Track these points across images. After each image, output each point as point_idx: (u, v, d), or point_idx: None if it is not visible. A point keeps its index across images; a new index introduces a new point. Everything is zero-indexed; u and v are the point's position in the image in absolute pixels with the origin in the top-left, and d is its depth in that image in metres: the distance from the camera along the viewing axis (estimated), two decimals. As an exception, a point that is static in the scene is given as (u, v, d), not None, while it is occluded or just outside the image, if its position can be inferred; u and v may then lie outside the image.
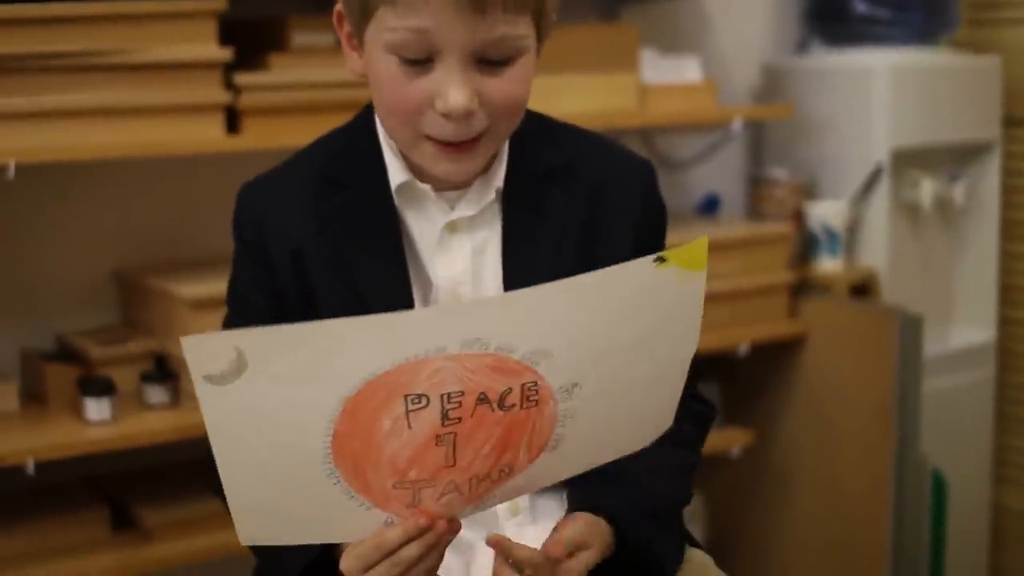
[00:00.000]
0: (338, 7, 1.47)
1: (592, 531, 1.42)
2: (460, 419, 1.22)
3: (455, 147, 1.43)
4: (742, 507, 3.13)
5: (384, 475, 1.24)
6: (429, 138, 1.43)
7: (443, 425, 1.21)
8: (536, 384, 1.23)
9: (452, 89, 1.38)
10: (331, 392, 1.17)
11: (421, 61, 1.38)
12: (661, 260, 1.22)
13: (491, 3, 1.36)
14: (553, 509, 1.55)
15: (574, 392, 1.25)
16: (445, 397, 1.20)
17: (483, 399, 1.22)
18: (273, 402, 1.17)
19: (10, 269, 2.44)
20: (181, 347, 1.13)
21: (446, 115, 1.39)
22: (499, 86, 1.41)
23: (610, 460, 1.37)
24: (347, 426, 1.19)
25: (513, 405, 1.23)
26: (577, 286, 1.20)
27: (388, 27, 1.37)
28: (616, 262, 1.51)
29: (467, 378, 1.20)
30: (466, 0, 1.34)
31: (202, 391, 1.15)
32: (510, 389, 1.22)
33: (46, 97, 2.16)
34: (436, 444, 1.22)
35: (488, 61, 1.39)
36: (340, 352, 1.15)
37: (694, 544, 1.64)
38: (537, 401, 1.24)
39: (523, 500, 1.55)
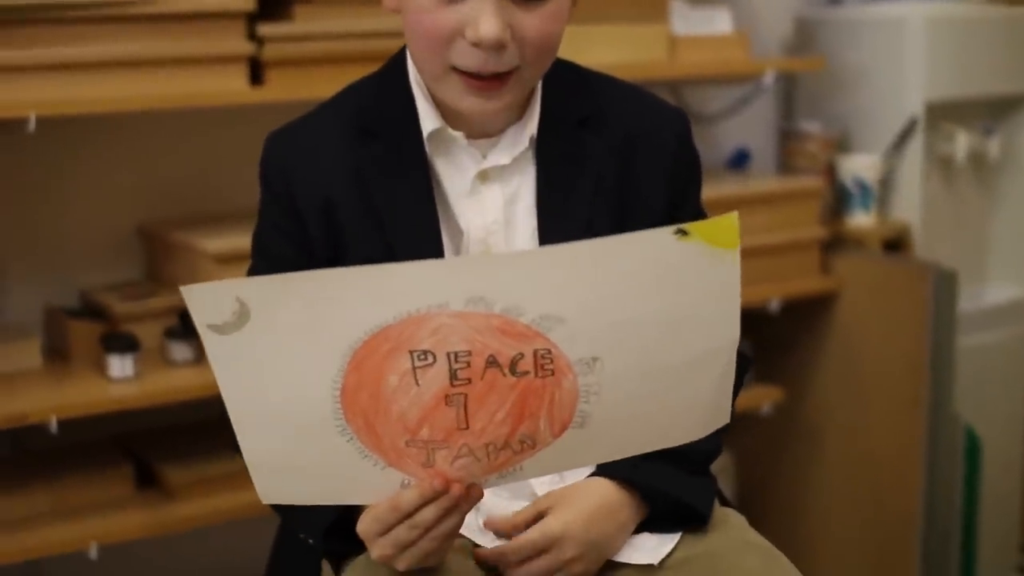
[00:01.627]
0: None
1: (571, 529, 1.44)
2: (470, 380, 1.21)
3: (483, 82, 1.41)
4: (772, 465, 3.11)
5: (395, 432, 1.24)
6: (457, 70, 1.40)
7: (452, 385, 1.21)
8: (550, 352, 1.21)
9: (484, 18, 1.36)
10: (335, 344, 1.18)
11: None
12: (683, 233, 1.18)
13: None
14: (581, 469, 1.53)
15: (595, 367, 1.23)
16: (452, 356, 1.19)
17: (492, 362, 1.20)
18: (279, 353, 1.18)
19: (33, 224, 2.42)
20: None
21: (476, 44, 1.37)
22: (532, 21, 1.39)
23: (657, 448, 1.34)
24: (354, 379, 1.20)
25: (527, 372, 1.21)
26: (588, 249, 1.17)
27: None
28: (649, 212, 1.50)
29: (474, 338, 1.19)
30: None
31: (208, 341, 1.18)
32: (521, 355, 1.20)
33: (67, 49, 2.13)
34: (446, 404, 1.22)
35: None
36: (341, 303, 1.16)
37: (726, 504, 1.61)
38: (553, 371, 1.22)
39: None
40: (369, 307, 1.16)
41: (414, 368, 1.20)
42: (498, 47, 1.37)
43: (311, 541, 1.46)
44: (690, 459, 1.49)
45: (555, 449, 1.29)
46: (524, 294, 1.17)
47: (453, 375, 1.20)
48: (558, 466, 1.36)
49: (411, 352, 1.19)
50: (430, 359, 1.19)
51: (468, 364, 1.20)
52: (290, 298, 1.15)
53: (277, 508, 1.53)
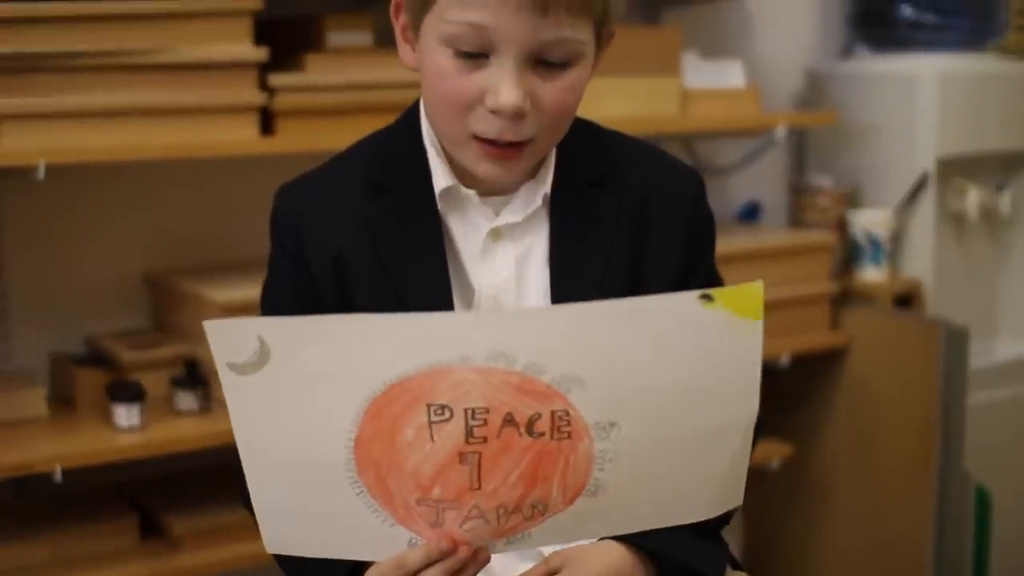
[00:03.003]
0: None
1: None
2: (485, 439, 1.19)
3: (500, 150, 1.39)
4: (781, 521, 3.09)
5: (407, 488, 1.22)
6: (476, 137, 1.39)
7: (467, 443, 1.19)
8: (568, 414, 1.19)
9: (505, 86, 1.35)
10: (355, 391, 1.17)
11: (476, 55, 1.35)
12: (708, 298, 1.16)
13: (554, 3, 1.33)
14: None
15: (612, 433, 1.20)
16: (469, 412, 1.18)
17: (510, 420, 1.19)
18: (297, 397, 1.17)
19: (40, 271, 2.41)
20: (207, 340, 1.12)
21: (496, 112, 1.36)
22: (551, 91, 1.38)
23: (668, 524, 1.31)
24: (370, 430, 1.19)
25: (543, 433, 1.20)
26: (613, 309, 1.16)
27: (446, 19, 1.35)
28: (664, 272, 1.48)
29: (492, 395, 1.17)
30: (533, 3, 1.32)
31: (226, 380, 1.16)
32: (539, 415, 1.19)
33: (77, 97, 2.13)
34: (460, 462, 1.20)
35: (545, 63, 1.36)
36: (363, 350, 1.15)
37: (737, 567, 1.59)
38: (570, 434, 1.20)
39: None
40: (392, 355, 1.15)
41: (430, 423, 1.18)
42: (517, 116, 1.36)
43: None
44: (702, 523, 1.47)
45: (566, 517, 1.27)
46: (546, 352, 1.16)
47: (469, 432, 1.19)
48: (568, 536, 1.34)
49: (428, 406, 1.17)
50: (447, 414, 1.18)
51: (485, 422, 1.18)
52: (313, 341, 1.15)
53: (282, 564, 1.51)
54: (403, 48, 1.46)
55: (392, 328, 1.15)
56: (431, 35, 1.37)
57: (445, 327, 1.16)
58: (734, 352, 1.19)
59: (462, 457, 1.20)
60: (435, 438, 1.19)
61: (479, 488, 1.22)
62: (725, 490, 1.29)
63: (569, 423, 1.19)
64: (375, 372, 1.16)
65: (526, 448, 1.20)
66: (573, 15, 1.35)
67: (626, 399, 1.19)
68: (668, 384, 1.20)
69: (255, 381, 1.16)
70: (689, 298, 1.16)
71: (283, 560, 1.47)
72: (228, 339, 1.15)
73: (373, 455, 1.20)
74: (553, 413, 1.19)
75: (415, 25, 1.41)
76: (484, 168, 1.42)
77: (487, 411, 1.18)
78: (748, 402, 1.24)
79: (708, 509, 1.30)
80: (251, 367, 1.15)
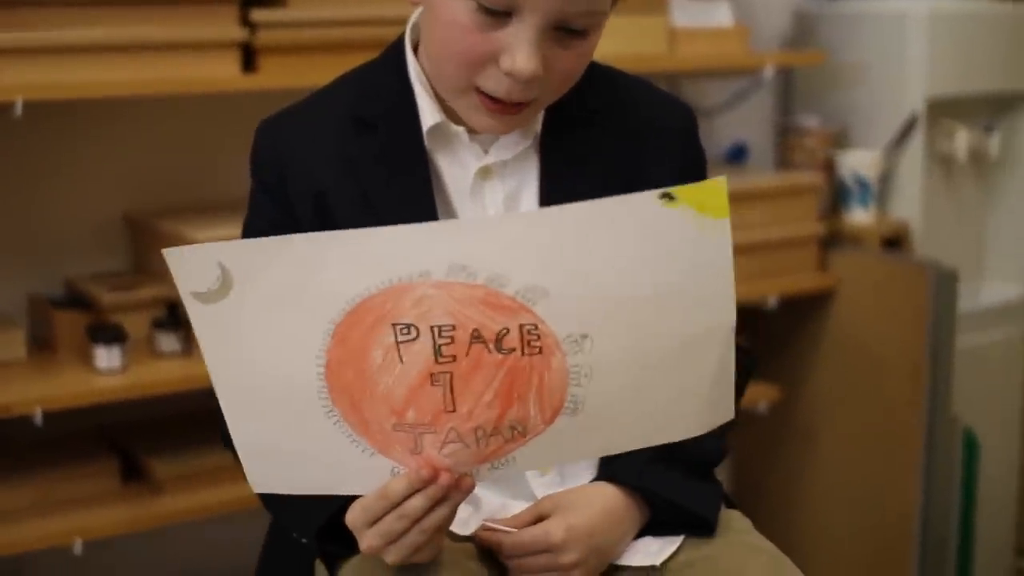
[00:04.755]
0: None
1: (575, 527, 1.40)
2: (454, 357, 1.18)
3: (502, 106, 1.36)
4: (768, 464, 3.08)
5: (382, 414, 1.21)
6: (479, 90, 1.36)
7: (436, 362, 1.18)
8: (536, 328, 1.17)
9: (524, 51, 1.31)
10: (319, 315, 1.16)
11: (500, 12, 1.31)
12: (669, 197, 1.13)
13: None
14: (583, 470, 1.49)
15: (584, 345, 1.18)
16: (436, 330, 1.16)
17: (477, 336, 1.17)
18: (264, 324, 1.17)
19: (18, 211, 2.38)
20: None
21: (509, 74, 1.32)
22: (566, 58, 1.35)
23: (656, 443, 1.29)
24: (338, 354, 1.18)
25: (513, 349, 1.18)
26: (572, 213, 1.13)
27: None
28: None
29: (457, 311, 1.16)
30: None
31: (192, 310, 1.16)
32: (507, 329, 1.17)
33: (54, 32, 2.09)
34: (431, 383, 1.19)
35: (566, 29, 1.33)
36: (323, 270, 1.14)
37: (732, 506, 1.57)
38: (541, 349, 1.18)
39: None
40: (350, 275, 1.14)
41: (397, 343, 1.17)
42: (530, 80, 1.32)
43: (304, 541, 1.42)
44: (696, 463, 1.46)
45: (548, 438, 1.24)
46: (507, 263, 1.14)
47: (437, 351, 1.17)
48: (553, 458, 1.33)
49: (394, 325, 1.16)
50: (413, 333, 1.16)
51: (452, 339, 1.17)
52: (272, 264, 1.14)
53: (269, 506, 1.50)
54: None
55: (349, 244, 1.13)
56: None
57: (401, 241, 1.13)
58: (703, 253, 1.17)
59: (433, 378, 1.19)
60: (404, 359, 1.18)
61: (454, 410, 1.21)
62: (712, 403, 1.26)
63: (539, 337, 1.17)
64: (337, 293, 1.15)
65: (497, 365, 1.18)
66: None
67: (595, 309, 1.17)
68: (637, 291, 1.17)
69: (221, 309, 1.15)
70: (650, 197, 1.13)
71: (269, 500, 1.45)
72: (189, 267, 1.14)
73: (345, 380, 1.19)
74: (521, 327, 1.17)
75: None
76: (481, 120, 1.39)
77: (453, 328, 1.16)
78: (724, 307, 1.21)
79: (697, 424, 1.28)
80: (215, 295, 1.15)
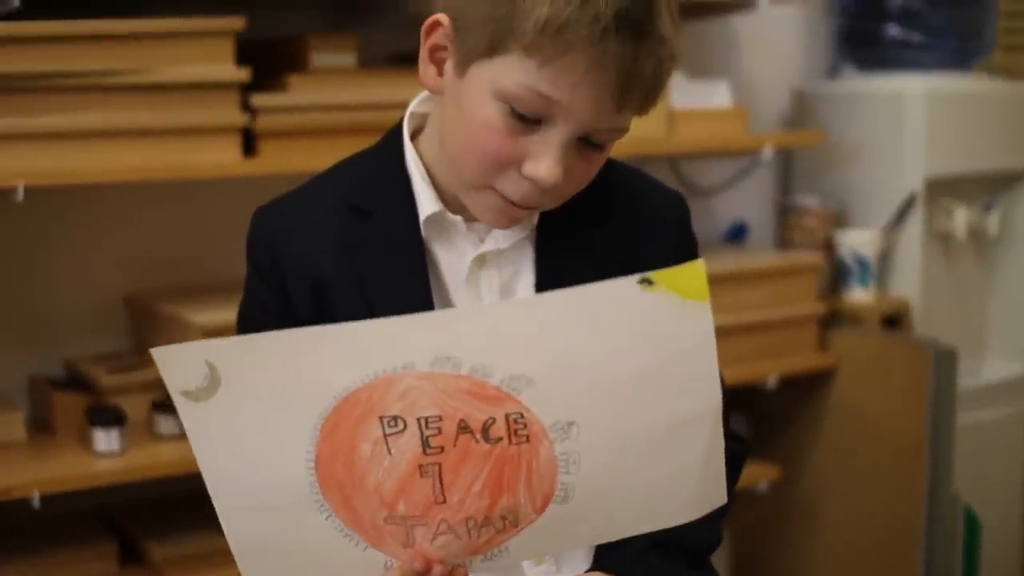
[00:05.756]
0: (441, 18, 1.36)
1: None
2: (442, 448, 1.18)
3: (517, 208, 1.37)
4: (768, 544, 3.06)
5: (373, 507, 1.21)
6: (495, 190, 1.36)
7: (425, 454, 1.18)
8: (523, 416, 1.17)
9: (550, 159, 1.31)
10: (306, 410, 1.16)
11: (531, 120, 1.31)
12: (647, 282, 1.13)
13: (630, 104, 1.31)
14: (579, 559, 1.48)
15: (571, 432, 1.18)
16: (423, 422, 1.16)
17: (464, 427, 1.17)
18: (252, 421, 1.16)
19: (19, 293, 2.38)
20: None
21: (530, 180, 1.32)
22: (581, 169, 1.36)
23: (649, 530, 1.28)
24: (327, 448, 1.18)
25: (500, 439, 1.18)
26: (554, 302, 1.13)
27: (513, 78, 1.29)
28: None
29: (443, 402, 1.16)
30: (615, 97, 1.28)
31: (181, 408, 1.16)
32: (493, 419, 1.17)
33: (57, 117, 2.10)
34: (421, 475, 1.19)
35: (588, 142, 1.34)
36: (309, 365, 1.14)
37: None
38: (528, 437, 1.18)
39: None
40: (336, 369, 1.14)
41: (385, 435, 1.17)
42: (550, 188, 1.33)
43: None
44: (690, 551, 1.45)
45: (540, 527, 1.24)
46: (491, 352, 1.14)
47: (425, 443, 1.17)
48: (546, 547, 1.32)
49: (381, 418, 1.16)
50: (400, 425, 1.16)
51: (439, 431, 1.17)
52: (258, 360, 1.14)
53: None
54: (426, 68, 1.39)
55: (334, 339, 1.13)
56: (485, 83, 1.31)
57: (386, 333, 1.13)
58: (685, 337, 1.16)
59: (422, 470, 1.19)
60: (392, 451, 1.18)
61: (444, 501, 1.21)
62: (703, 488, 1.26)
63: (525, 426, 1.17)
64: (323, 387, 1.15)
65: (485, 455, 1.18)
66: (638, 112, 1.34)
67: (580, 395, 1.17)
68: (621, 376, 1.17)
69: (209, 407, 1.15)
70: (628, 283, 1.13)
71: None
72: (176, 365, 1.14)
73: (335, 475, 1.19)
74: (507, 416, 1.17)
75: (463, 59, 1.33)
76: (491, 218, 1.39)
77: (440, 419, 1.16)
78: (709, 391, 1.20)
79: (688, 510, 1.27)
80: (204, 392, 1.14)
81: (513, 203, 1.36)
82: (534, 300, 1.14)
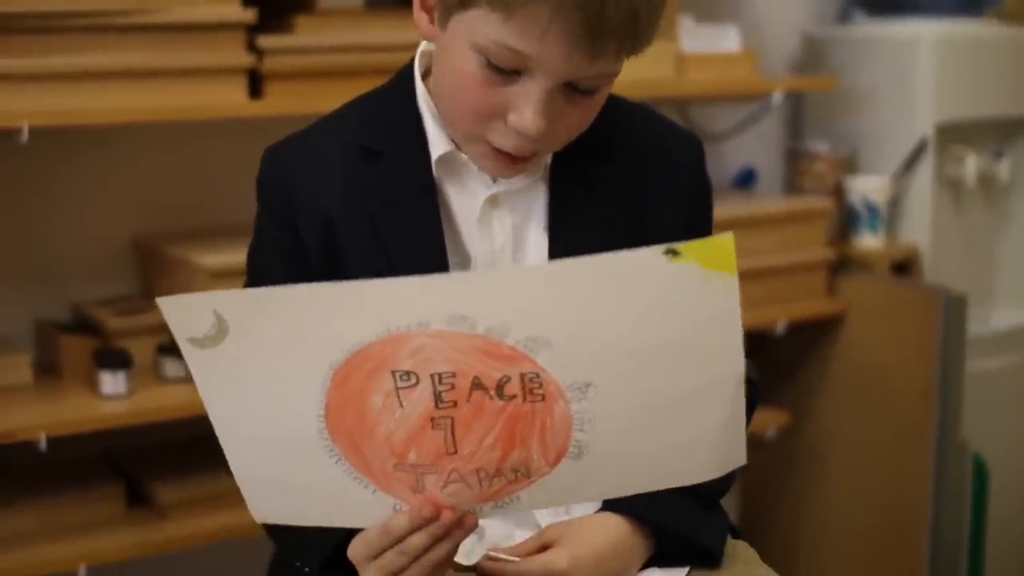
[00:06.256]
0: None
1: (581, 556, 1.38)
2: (455, 403, 1.17)
3: (510, 157, 1.35)
4: (777, 490, 3.06)
5: (383, 455, 1.21)
6: (487, 142, 1.35)
7: (437, 407, 1.17)
8: (539, 376, 1.16)
9: (532, 110, 1.30)
10: (316, 362, 1.16)
11: (509, 71, 1.29)
12: (673, 253, 1.12)
13: (605, 50, 1.28)
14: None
15: (588, 393, 1.18)
16: (436, 378, 1.16)
17: (478, 384, 1.16)
18: (261, 370, 1.16)
19: (25, 236, 2.37)
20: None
21: (516, 131, 1.31)
22: (573, 114, 1.34)
23: (664, 487, 1.28)
24: (337, 398, 1.18)
25: (514, 396, 1.17)
26: (575, 268, 1.12)
27: (484, 33, 1.28)
28: (666, 239, 1.45)
29: (457, 359, 1.15)
30: (586, 44, 1.26)
31: (188, 354, 1.16)
32: (508, 378, 1.16)
33: (62, 58, 2.09)
34: (432, 427, 1.18)
35: (575, 88, 1.31)
36: (321, 320, 1.13)
37: (737, 536, 1.56)
38: (543, 396, 1.17)
39: None
40: (349, 324, 1.13)
41: (397, 388, 1.17)
42: (537, 137, 1.32)
43: (307, 571, 1.41)
44: (701, 494, 1.44)
45: (553, 480, 1.24)
46: (508, 314, 1.13)
47: (438, 397, 1.17)
48: (558, 499, 1.32)
49: (393, 372, 1.16)
50: (413, 380, 1.16)
51: (453, 386, 1.16)
52: (268, 314, 1.13)
53: (272, 535, 1.49)
54: (419, 15, 1.39)
55: (347, 297, 1.12)
56: (461, 35, 1.30)
57: (400, 293, 1.12)
58: (709, 308, 1.15)
59: (434, 422, 1.18)
60: (404, 404, 1.17)
61: (455, 452, 1.20)
62: (721, 451, 1.25)
63: (541, 385, 1.16)
64: (335, 341, 1.14)
65: (498, 411, 1.18)
66: (620, 56, 1.31)
67: (598, 359, 1.16)
68: (643, 343, 1.16)
69: (217, 354, 1.15)
70: (654, 253, 1.11)
71: (272, 530, 1.45)
72: (183, 314, 1.13)
73: (345, 423, 1.19)
74: (523, 376, 1.16)
75: (444, 12, 1.33)
76: (492, 168, 1.39)
77: (454, 375, 1.16)
78: (732, 360, 1.19)
79: (705, 470, 1.27)
80: (211, 340, 1.14)
81: (507, 154, 1.35)
82: (555, 265, 1.13)
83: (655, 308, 1.15)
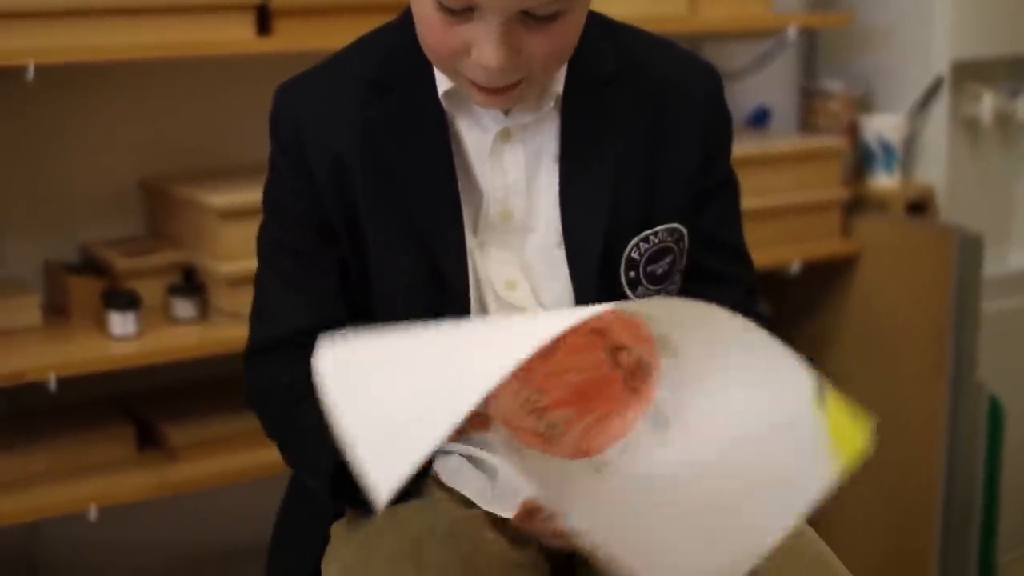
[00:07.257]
0: None
1: None
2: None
3: (494, 90, 1.34)
4: (789, 431, 3.05)
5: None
6: (467, 78, 1.34)
7: None
8: (650, 372, 1.15)
9: (488, 46, 1.29)
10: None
11: (459, 11, 1.29)
12: (822, 402, 1.10)
13: None
14: None
15: (659, 426, 1.16)
16: None
17: (599, 332, 1.14)
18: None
19: (33, 177, 2.35)
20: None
21: (481, 66, 1.30)
22: (542, 41, 1.31)
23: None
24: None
25: (619, 366, 1.15)
26: (735, 328, 1.10)
27: None
28: (681, 172, 1.43)
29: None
30: None
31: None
32: (627, 348, 1.14)
33: (67, -6, 2.06)
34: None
35: (530, 15, 1.29)
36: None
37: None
38: (638, 391, 1.15)
39: None
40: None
41: None
42: (503, 69, 1.30)
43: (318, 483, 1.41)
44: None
45: (555, 466, 1.20)
46: (662, 307, 1.12)
47: None
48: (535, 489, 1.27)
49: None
50: None
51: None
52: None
53: (282, 449, 1.49)
54: None
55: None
56: None
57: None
58: (806, 465, 1.13)
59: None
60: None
61: (532, 366, 1.14)
62: (721, 571, 1.19)
63: (645, 381, 1.13)
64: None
65: (597, 363, 1.15)
66: None
67: (689, 410, 1.14)
68: (733, 440, 1.13)
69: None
70: (810, 387, 1.09)
71: (285, 449, 1.48)
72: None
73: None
74: (640, 360, 1.13)
75: None
76: (483, 102, 1.38)
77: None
78: (783, 520, 1.15)
79: (709, 569, 1.20)
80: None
81: (487, 88, 1.33)
82: (727, 315, 1.08)
83: (769, 418, 1.12)
